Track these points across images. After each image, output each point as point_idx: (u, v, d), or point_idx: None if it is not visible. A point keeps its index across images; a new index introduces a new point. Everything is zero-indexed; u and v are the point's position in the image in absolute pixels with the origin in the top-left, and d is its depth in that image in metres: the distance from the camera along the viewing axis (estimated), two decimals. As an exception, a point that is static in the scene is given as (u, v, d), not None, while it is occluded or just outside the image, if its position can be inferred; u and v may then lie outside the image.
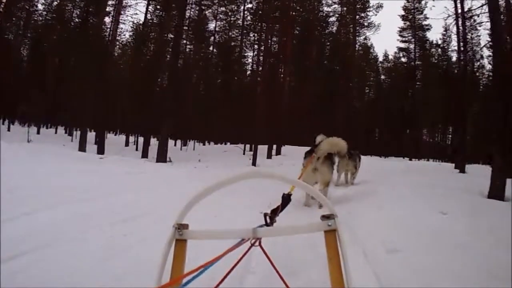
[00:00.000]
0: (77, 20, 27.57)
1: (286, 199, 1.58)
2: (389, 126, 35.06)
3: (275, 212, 1.32)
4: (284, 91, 21.02)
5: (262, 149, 14.03)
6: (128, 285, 2.23)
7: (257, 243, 0.97)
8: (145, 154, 15.09)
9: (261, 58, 24.79)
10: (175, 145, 25.08)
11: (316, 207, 4.88)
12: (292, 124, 29.98)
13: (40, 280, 2.21)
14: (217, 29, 32.22)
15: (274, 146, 16.16)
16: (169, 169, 8.34)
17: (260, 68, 24.48)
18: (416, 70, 34.17)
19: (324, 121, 29.26)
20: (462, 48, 14.48)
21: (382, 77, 39.42)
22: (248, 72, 34.10)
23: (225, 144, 29.89)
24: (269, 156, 13.70)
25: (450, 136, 37.10)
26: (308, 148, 5.99)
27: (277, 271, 1.07)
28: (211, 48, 32.54)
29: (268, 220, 1.19)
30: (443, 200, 4.68)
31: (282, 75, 23.24)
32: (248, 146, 19.30)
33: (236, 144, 23.60)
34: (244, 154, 15.70)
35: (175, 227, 0.96)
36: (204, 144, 32.56)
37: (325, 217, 0.98)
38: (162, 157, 12.31)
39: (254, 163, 11.01)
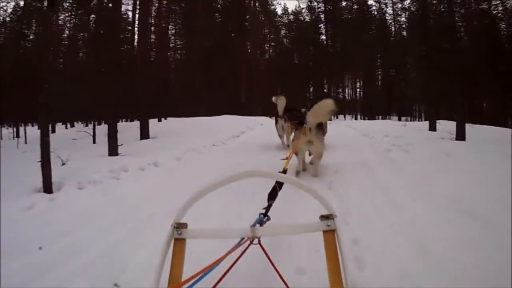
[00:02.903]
0: None
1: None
2: (293, 83, 31.04)
3: (273, 197, 1.41)
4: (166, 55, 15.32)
5: (126, 129, 9.10)
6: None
7: (256, 241, 0.98)
8: None
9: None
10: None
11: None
12: (183, 92, 25.02)
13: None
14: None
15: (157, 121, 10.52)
16: None
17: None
18: (329, 15, 30.65)
19: (222, 85, 24.49)
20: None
21: (283, 32, 35.69)
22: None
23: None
24: (113, 150, 6.46)
25: (360, 90, 34.88)
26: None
27: (277, 270, 1.05)
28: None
29: (267, 208, 1.32)
30: None
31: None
32: (122, 123, 13.12)
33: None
34: (94, 142, 9.41)
35: (174, 226, 0.96)
36: (86, 125, 25.48)
37: (324, 217, 0.95)
38: None
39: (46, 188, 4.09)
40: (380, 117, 28.90)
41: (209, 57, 25.58)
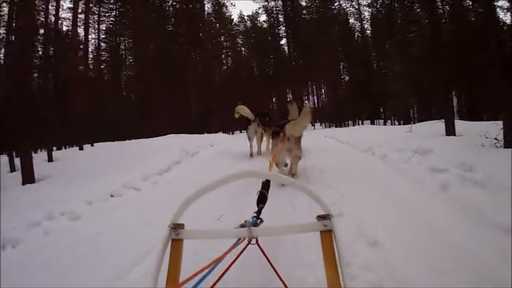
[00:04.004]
0: None
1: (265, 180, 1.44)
2: (253, 94, 28.46)
3: (264, 197, 1.31)
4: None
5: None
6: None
7: (253, 241, 0.95)
8: None
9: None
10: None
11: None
12: (133, 111, 21.98)
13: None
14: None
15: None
16: None
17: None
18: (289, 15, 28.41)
19: (173, 100, 21.48)
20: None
21: (240, 41, 33.33)
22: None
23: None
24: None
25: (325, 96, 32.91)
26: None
27: (275, 270, 1.01)
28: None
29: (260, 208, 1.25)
30: None
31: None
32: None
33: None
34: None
35: (171, 227, 0.93)
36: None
37: (321, 217, 0.94)
38: None
39: None
40: (351, 122, 27.02)
41: (158, 70, 22.59)
